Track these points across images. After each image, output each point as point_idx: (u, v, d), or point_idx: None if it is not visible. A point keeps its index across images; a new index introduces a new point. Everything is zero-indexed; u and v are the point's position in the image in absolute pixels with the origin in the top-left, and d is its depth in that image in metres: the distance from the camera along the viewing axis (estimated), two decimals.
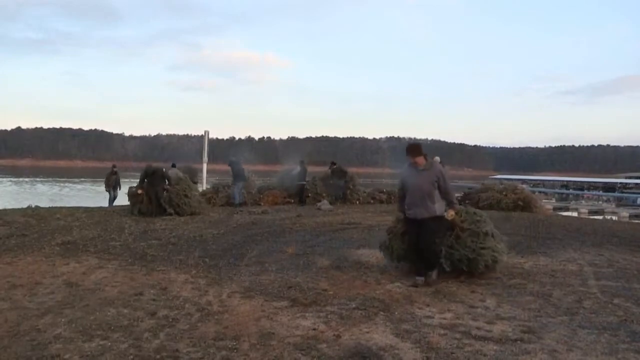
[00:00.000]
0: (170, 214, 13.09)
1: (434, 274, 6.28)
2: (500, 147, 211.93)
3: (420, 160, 6.31)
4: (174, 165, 22.98)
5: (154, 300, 5.49)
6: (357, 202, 18.28)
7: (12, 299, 5.46)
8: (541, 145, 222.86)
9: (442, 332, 4.55)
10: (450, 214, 6.29)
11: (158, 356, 3.93)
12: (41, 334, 4.40)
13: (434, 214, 6.21)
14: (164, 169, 14.30)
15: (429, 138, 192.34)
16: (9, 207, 16.58)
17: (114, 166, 21.10)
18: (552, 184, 63.75)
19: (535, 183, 62.39)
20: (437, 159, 16.98)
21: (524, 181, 47.94)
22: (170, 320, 4.83)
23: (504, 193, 17.92)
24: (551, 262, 7.89)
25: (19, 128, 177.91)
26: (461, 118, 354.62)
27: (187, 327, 4.62)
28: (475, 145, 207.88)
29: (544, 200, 28.36)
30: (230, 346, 4.15)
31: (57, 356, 3.92)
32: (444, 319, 4.95)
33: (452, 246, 6.43)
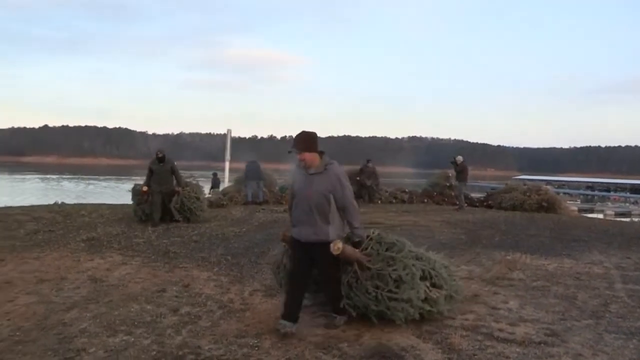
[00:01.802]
0: (178, 221, 11.13)
1: (339, 319, 4.64)
2: (524, 147, 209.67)
3: (310, 158, 4.42)
4: (215, 175, 22.97)
5: (176, 297, 5.55)
6: (379, 202, 18.22)
7: (39, 293, 5.56)
8: (566, 146, 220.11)
9: (463, 333, 4.51)
10: (335, 247, 4.25)
11: (180, 352, 3.97)
12: (67, 328, 4.48)
13: (325, 239, 4.34)
14: (174, 162, 11.67)
15: (452, 138, 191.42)
16: (37, 203, 16.88)
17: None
18: (577, 185, 62.84)
19: (560, 184, 61.50)
20: (460, 158, 16.89)
21: (548, 182, 47.27)
22: (193, 317, 4.87)
23: (527, 194, 17.72)
24: (576, 264, 7.77)
25: (45, 126, 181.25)
26: (485, 118, 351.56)
27: (209, 324, 4.65)
28: (498, 146, 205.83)
29: (568, 202, 27.87)
30: (251, 344, 4.18)
31: (83, 350, 3.99)
32: (466, 320, 4.91)
33: (352, 286, 4.56)
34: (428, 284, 4.62)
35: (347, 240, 4.55)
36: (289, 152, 4.37)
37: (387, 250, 4.61)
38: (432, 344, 4.25)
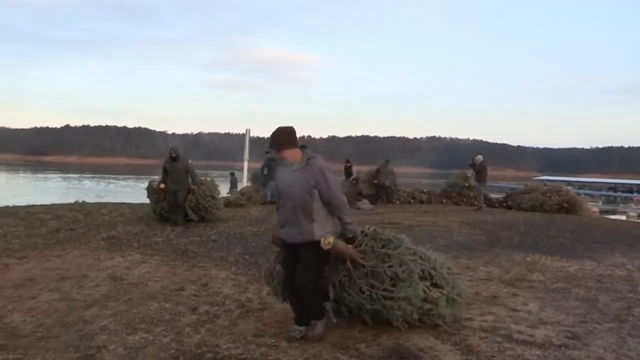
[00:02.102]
0: (193, 220, 11.00)
1: (318, 326, 4.29)
2: (544, 148, 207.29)
3: (291, 155, 4.18)
4: (232, 174, 22.63)
5: (195, 295, 5.59)
6: (398, 202, 18.15)
7: (61, 290, 5.64)
8: (587, 146, 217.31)
9: (482, 335, 4.48)
10: (326, 241, 4.05)
11: (199, 351, 4.00)
12: (88, 325, 4.54)
13: (310, 239, 4.12)
14: (189, 160, 11.53)
15: (471, 138, 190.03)
16: (58, 202, 17.11)
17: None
18: (599, 186, 61.85)
19: (581, 185, 60.63)
20: (480, 157, 16.75)
21: (568, 182, 46.72)
22: (211, 315, 4.90)
23: (547, 195, 17.52)
24: (597, 266, 7.67)
25: (67, 126, 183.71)
26: (504, 118, 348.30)
27: (227, 323, 4.68)
28: (518, 146, 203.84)
29: (589, 203, 27.49)
30: (269, 343, 4.19)
31: (103, 347, 4.04)
32: (485, 321, 4.87)
33: (344, 286, 4.29)
34: (428, 284, 4.32)
35: (341, 236, 4.32)
36: (266, 152, 4.37)
37: (383, 247, 4.31)
38: (451, 345, 4.22)
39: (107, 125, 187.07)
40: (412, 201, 18.59)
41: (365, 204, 16.27)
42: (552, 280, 6.63)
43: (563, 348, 4.20)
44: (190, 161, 11.36)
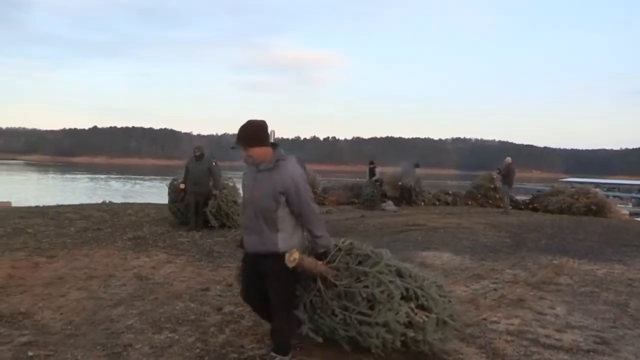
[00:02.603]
0: (214, 227, 10.40)
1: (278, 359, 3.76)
2: (572, 149, 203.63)
3: (260, 153, 3.62)
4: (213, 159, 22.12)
5: (220, 295, 5.62)
6: (422, 204, 18.04)
7: (88, 289, 5.73)
8: (617, 147, 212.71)
9: (508, 338, 4.43)
10: (291, 257, 3.45)
11: (223, 351, 4.03)
12: (114, 324, 4.60)
13: (274, 250, 3.57)
14: (214, 161, 10.72)
15: (497, 139, 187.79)
16: (86, 202, 17.43)
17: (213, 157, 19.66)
18: (629, 188, 60.58)
19: (610, 187, 59.46)
20: (509, 159, 16.62)
21: (597, 184, 45.76)
22: (236, 316, 4.93)
23: (575, 197, 17.28)
24: (627, 270, 7.52)
25: (95, 127, 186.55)
26: (530, 119, 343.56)
27: (252, 324, 4.69)
28: (545, 147, 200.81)
29: (619, 205, 26.93)
30: (293, 344, 4.19)
31: (129, 345, 4.09)
32: (511, 324, 4.81)
33: (315, 307, 3.73)
34: (413, 306, 3.72)
35: (312, 251, 3.75)
36: (232, 148, 3.65)
37: (359, 263, 3.74)
38: (476, 348, 4.18)
39: (133, 127, 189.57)
40: (437, 203, 18.47)
41: (389, 205, 16.22)
42: (580, 284, 6.52)
43: (592, 353, 4.12)
44: (215, 163, 10.68)
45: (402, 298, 3.68)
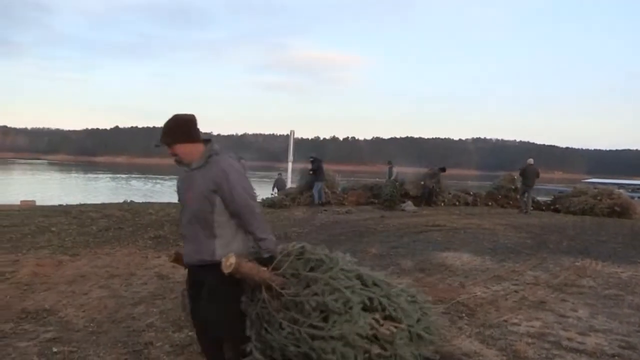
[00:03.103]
0: None
1: None
2: (595, 150, 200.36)
3: (187, 151, 3.19)
4: (280, 175, 22.06)
5: None
6: (442, 204, 17.92)
7: (110, 287, 5.81)
8: None
9: (529, 340, 4.38)
10: (227, 262, 2.95)
11: None
12: (136, 322, 4.66)
13: (210, 259, 3.10)
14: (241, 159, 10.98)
15: (517, 140, 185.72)
16: (108, 201, 17.64)
17: (240, 158, 20.12)
18: None
19: (635, 188, 58.48)
20: (531, 160, 16.55)
21: (620, 185, 45.03)
22: None
23: (598, 198, 17.04)
24: None
25: (116, 127, 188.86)
26: (552, 119, 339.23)
27: None
28: (567, 147, 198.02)
29: None
30: None
31: (150, 343, 4.13)
32: (532, 327, 4.76)
33: (262, 320, 3.16)
34: (378, 317, 3.16)
35: (257, 256, 3.22)
36: (156, 146, 3.25)
37: (311, 269, 3.21)
38: (497, 350, 4.14)
39: (154, 127, 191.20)
40: (457, 203, 18.32)
41: (409, 205, 16.14)
42: (604, 287, 6.42)
43: (616, 358, 4.06)
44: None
45: (365, 309, 3.12)
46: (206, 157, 3.16)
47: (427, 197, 17.69)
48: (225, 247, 3.09)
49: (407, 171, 19.82)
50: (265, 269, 3.11)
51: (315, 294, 3.06)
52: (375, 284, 3.34)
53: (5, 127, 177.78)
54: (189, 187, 3.17)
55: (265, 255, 3.17)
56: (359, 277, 3.31)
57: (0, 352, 3.91)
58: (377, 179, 19.65)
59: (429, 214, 14.65)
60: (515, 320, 4.94)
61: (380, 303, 3.20)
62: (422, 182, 17.76)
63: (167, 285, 5.96)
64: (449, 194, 18.74)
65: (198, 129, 3.27)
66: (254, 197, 3.22)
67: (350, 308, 3.04)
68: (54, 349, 3.94)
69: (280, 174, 22.82)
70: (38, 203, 17.60)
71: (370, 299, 3.18)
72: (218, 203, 3.08)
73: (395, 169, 19.30)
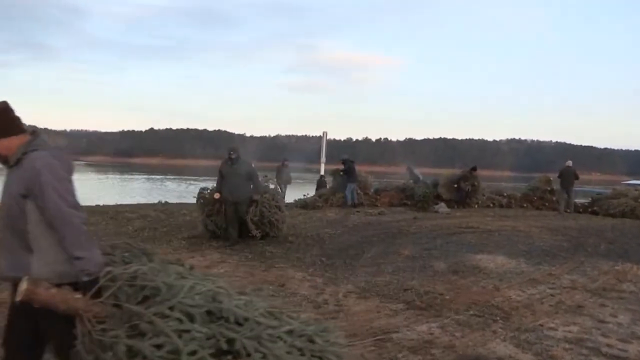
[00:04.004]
0: (255, 237, 8.95)
1: None
2: (635, 150, 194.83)
3: (3, 146, 2.57)
4: (322, 177, 22.12)
5: (272, 296, 5.67)
6: (476, 206, 17.65)
7: None
8: None
9: (566, 346, 4.29)
10: (22, 288, 2.33)
11: None
12: None
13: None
14: (252, 164, 9.66)
15: (553, 140, 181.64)
16: (143, 202, 17.99)
17: (285, 159, 18.98)
18: None
19: None
20: (569, 162, 16.32)
21: None
22: None
23: (639, 200, 16.56)
24: None
25: (151, 129, 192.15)
26: (590, 118, 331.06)
27: None
28: (605, 148, 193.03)
29: None
30: (345, 345, 4.19)
31: None
32: (569, 332, 4.66)
33: None
34: None
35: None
36: None
37: (144, 300, 2.42)
38: (532, 355, 4.08)
39: (188, 128, 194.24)
40: (491, 205, 18.05)
41: (442, 207, 15.96)
42: None
43: None
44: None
45: (216, 355, 2.30)
46: (21, 153, 2.54)
47: (461, 199, 17.33)
48: (45, 265, 2.49)
49: (444, 173, 19.57)
50: (80, 296, 2.44)
51: (132, 335, 2.32)
52: (246, 321, 2.47)
53: (46, 129, 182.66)
54: (4, 190, 2.61)
55: (84, 279, 2.45)
56: (215, 312, 2.46)
57: None
58: (410, 180, 19.48)
59: (462, 216, 14.48)
60: (552, 325, 4.84)
61: (245, 348, 2.37)
62: (456, 185, 17.41)
63: None
64: (483, 195, 18.42)
65: (14, 119, 2.63)
66: (73, 204, 2.55)
67: (179, 356, 2.23)
68: None
69: (322, 175, 22.55)
70: None
71: (232, 341, 2.36)
72: (30, 210, 2.50)
73: (416, 170, 19.12)
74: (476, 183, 17.64)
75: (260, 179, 9.48)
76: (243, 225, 9.00)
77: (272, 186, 10.00)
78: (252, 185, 9.04)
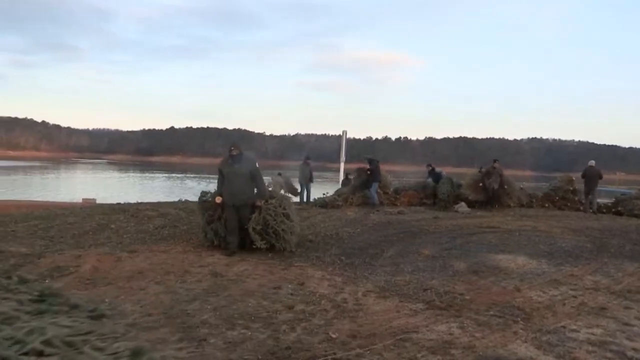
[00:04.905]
0: (260, 249, 7.78)
1: None
2: None
3: None
4: (347, 176, 21.84)
5: (291, 294, 5.69)
6: (496, 206, 17.43)
7: (166, 283, 5.96)
8: None
9: (589, 348, 4.22)
10: None
11: (294, 348, 4.07)
12: (190, 318, 4.76)
13: None
14: (256, 163, 8.36)
15: (576, 139, 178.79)
16: (163, 200, 18.11)
17: (307, 157, 18.96)
18: None
19: None
20: (592, 162, 16.15)
21: None
22: (307, 315, 4.97)
23: None
24: None
25: (172, 128, 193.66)
26: (614, 117, 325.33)
27: (323, 323, 4.72)
28: (630, 147, 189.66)
29: None
30: (364, 345, 4.19)
31: (204, 340, 4.21)
32: (593, 334, 4.59)
33: None
34: None
35: None
36: None
37: None
38: (554, 357, 4.02)
39: (208, 127, 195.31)
40: (512, 205, 17.83)
41: (462, 207, 15.79)
42: None
43: None
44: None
45: None
46: None
47: (491, 198, 16.55)
48: None
49: (468, 172, 19.31)
50: None
51: None
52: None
53: (69, 128, 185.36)
54: None
55: None
56: None
57: None
58: (430, 179, 19.33)
59: (483, 216, 14.35)
60: (574, 327, 4.77)
61: None
62: (481, 184, 16.69)
63: (220, 283, 6.06)
64: (515, 190, 17.57)
65: None
66: None
67: None
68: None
69: (348, 174, 22.37)
70: (98, 201, 18.27)
71: None
72: None
73: (439, 170, 18.92)
74: (501, 176, 16.69)
75: (265, 183, 8.31)
76: (247, 234, 7.90)
77: (280, 190, 8.69)
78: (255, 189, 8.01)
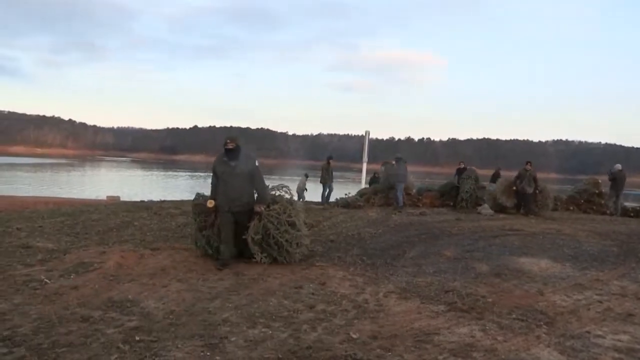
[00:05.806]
0: (260, 262, 6.82)
1: None
2: None
3: None
4: (374, 175, 21.05)
5: (312, 294, 5.70)
6: (531, 215, 17.03)
7: (188, 281, 6.01)
8: None
9: (616, 355, 4.14)
10: None
11: (315, 347, 4.07)
12: (212, 316, 4.79)
13: None
14: (256, 161, 7.19)
15: (602, 142, 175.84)
16: (186, 198, 18.28)
17: (330, 157, 19.33)
18: None
19: None
20: (619, 166, 15.89)
21: None
22: (328, 314, 4.97)
23: None
24: None
25: (195, 127, 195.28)
26: None
27: (344, 323, 4.72)
28: None
29: None
30: (384, 346, 4.17)
31: (225, 338, 4.24)
32: (619, 340, 4.50)
33: None
34: None
35: None
36: None
37: None
38: None
39: (231, 126, 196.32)
40: (543, 215, 17.55)
41: (485, 208, 15.63)
42: None
43: None
44: (258, 163, 6.99)
45: None
46: None
47: (527, 202, 15.49)
48: None
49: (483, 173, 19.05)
50: None
51: None
52: None
53: (95, 126, 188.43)
54: None
55: None
56: None
57: (92, 336, 4.14)
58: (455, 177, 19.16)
59: (506, 218, 14.20)
60: (599, 333, 4.69)
61: None
62: (514, 187, 15.80)
63: (241, 282, 6.09)
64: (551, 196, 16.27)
65: None
66: None
67: None
68: (137, 338, 4.12)
69: (376, 173, 22.16)
70: (122, 199, 18.52)
71: None
72: None
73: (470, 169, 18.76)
74: (535, 179, 15.60)
75: (267, 186, 7.19)
76: (245, 245, 6.93)
77: (286, 195, 7.37)
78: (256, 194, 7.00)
